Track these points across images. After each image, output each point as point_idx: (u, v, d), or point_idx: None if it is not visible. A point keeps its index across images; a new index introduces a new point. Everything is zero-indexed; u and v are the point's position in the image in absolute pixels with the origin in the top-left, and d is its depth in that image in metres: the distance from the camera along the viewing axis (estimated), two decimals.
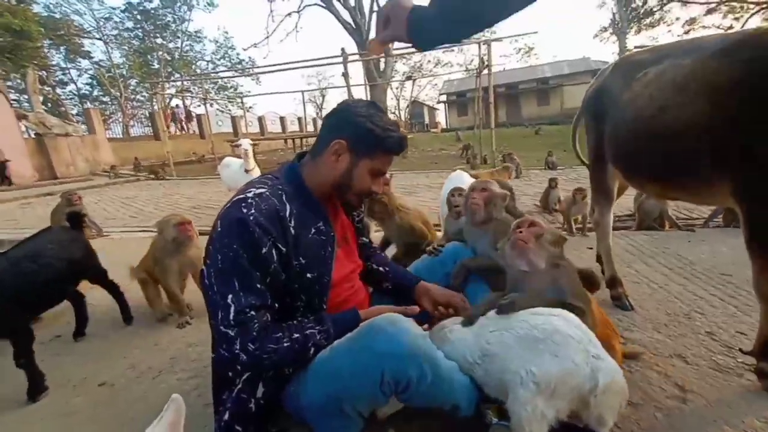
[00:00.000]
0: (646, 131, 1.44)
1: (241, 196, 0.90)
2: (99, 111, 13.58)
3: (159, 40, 25.48)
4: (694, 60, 1.29)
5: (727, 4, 21.79)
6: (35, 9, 15.62)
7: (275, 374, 0.91)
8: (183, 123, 17.99)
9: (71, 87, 24.35)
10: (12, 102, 9.36)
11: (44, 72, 17.69)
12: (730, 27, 22.65)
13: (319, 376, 0.87)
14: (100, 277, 1.99)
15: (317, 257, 0.97)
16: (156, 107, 15.41)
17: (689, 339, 1.54)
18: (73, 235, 1.89)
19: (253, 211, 0.86)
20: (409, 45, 0.76)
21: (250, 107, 21.43)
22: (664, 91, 1.37)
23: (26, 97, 15.61)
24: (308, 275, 0.94)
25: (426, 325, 1.04)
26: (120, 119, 22.17)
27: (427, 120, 33.58)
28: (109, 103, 24.60)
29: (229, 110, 23.38)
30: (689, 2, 22.21)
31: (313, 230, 0.97)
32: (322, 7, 16.32)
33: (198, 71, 25.66)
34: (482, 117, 10.45)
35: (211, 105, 18.03)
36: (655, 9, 23.37)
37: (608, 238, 1.97)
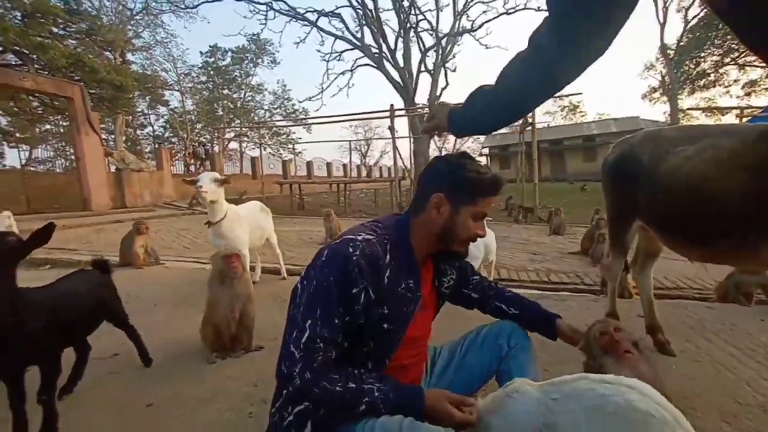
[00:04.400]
0: (690, 199, 1.54)
1: (352, 236, 0.94)
2: (169, 150, 15.11)
3: (225, 91, 28.64)
4: (737, 141, 1.44)
5: None
6: (133, 67, 18.71)
7: (326, 419, 0.90)
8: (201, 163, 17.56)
9: (148, 129, 27.65)
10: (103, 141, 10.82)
11: (130, 117, 20.40)
12: None
13: None
14: (120, 320, 2.00)
15: (399, 312, 0.98)
16: (216, 149, 16.96)
17: None
18: (103, 279, 1.94)
19: (358, 252, 0.90)
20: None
21: (299, 152, 23.02)
22: (708, 164, 1.49)
23: (113, 137, 18.06)
24: (385, 326, 0.96)
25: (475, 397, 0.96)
26: (183, 157, 24.50)
27: None
28: (176, 143, 27.45)
29: (281, 154, 25.16)
30: (747, 65, 21.57)
31: (403, 285, 0.99)
32: (374, 66, 17.70)
33: (256, 119, 28.27)
34: (525, 171, 10.43)
35: (265, 149, 19.46)
36: (709, 71, 22.80)
37: (616, 281, 2.28)
